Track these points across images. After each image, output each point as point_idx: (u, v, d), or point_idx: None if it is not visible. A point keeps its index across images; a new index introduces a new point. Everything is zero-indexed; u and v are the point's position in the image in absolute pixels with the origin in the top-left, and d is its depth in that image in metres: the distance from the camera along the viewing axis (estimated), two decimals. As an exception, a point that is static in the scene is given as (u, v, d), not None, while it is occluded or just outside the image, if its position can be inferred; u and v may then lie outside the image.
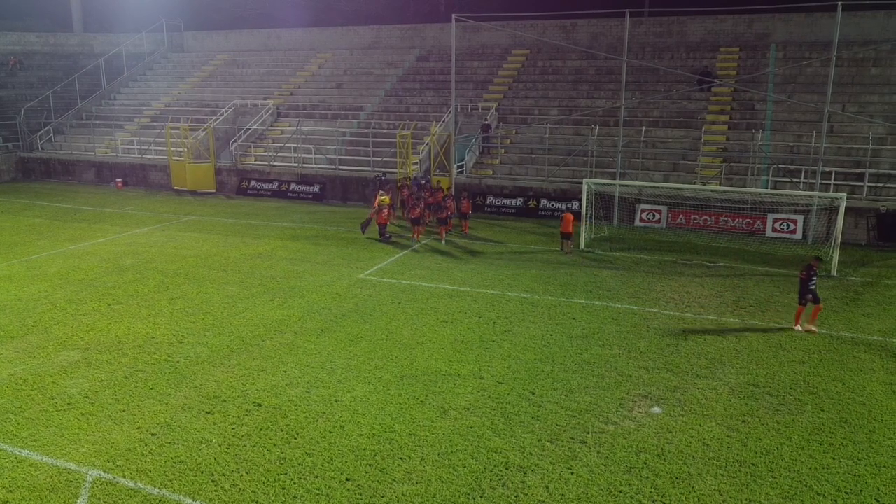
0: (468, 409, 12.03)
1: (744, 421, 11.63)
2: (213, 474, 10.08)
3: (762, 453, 10.63)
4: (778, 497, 9.54)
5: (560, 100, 35.25)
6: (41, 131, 41.58)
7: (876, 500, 9.50)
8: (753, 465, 10.32)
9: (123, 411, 11.98)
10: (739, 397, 12.51)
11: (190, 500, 9.47)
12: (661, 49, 36.97)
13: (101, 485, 9.83)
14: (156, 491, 9.69)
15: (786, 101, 30.82)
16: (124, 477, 10.00)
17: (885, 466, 10.31)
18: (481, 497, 9.54)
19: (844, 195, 20.63)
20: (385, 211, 24.89)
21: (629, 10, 27.55)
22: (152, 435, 11.19)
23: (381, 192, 26.43)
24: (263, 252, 23.08)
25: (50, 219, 28.87)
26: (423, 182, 30.07)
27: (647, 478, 9.97)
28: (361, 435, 11.12)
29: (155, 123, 40.67)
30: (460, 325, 16.09)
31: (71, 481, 9.92)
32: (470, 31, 40.51)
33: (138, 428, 11.40)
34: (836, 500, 9.47)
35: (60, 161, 39.95)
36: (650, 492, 9.64)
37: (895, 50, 32.58)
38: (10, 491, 9.69)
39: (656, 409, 12.02)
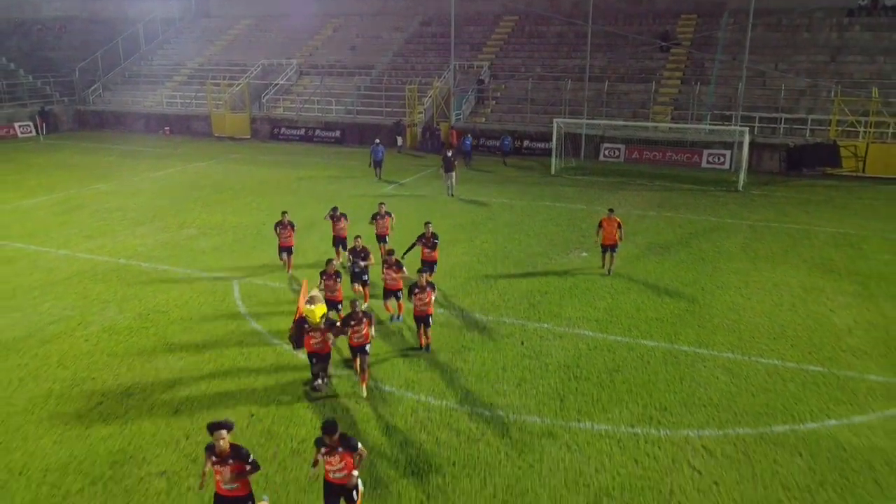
0: (462, 254, 18.69)
1: (637, 257, 18.30)
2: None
3: (644, 272, 17.30)
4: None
5: (543, 59, 41.37)
6: (91, 87, 47.67)
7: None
8: (646, 283, 16.99)
9: (240, 258, 18.59)
10: (640, 251, 19.15)
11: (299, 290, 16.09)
12: (631, 16, 42.90)
13: (244, 285, 16.46)
14: (280, 285, 16.33)
15: (727, 61, 37.00)
16: (257, 282, 16.64)
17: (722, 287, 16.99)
18: (462, 294, 16.20)
19: (746, 129, 27.17)
20: (317, 334, 11.18)
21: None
22: (262, 265, 17.81)
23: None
24: (305, 176, 29.59)
25: (121, 157, 35.22)
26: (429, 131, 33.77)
27: (572, 285, 16.59)
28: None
29: (191, 80, 46.77)
30: (457, 217, 22.68)
31: (223, 285, 16.52)
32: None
33: (252, 265, 18.00)
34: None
35: (112, 113, 46.16)
36: (569, 288, 16.29)
37: (826, 17, 38.61)
38: (190, 287, 16.31)
39: (584, 254, 18.68)
